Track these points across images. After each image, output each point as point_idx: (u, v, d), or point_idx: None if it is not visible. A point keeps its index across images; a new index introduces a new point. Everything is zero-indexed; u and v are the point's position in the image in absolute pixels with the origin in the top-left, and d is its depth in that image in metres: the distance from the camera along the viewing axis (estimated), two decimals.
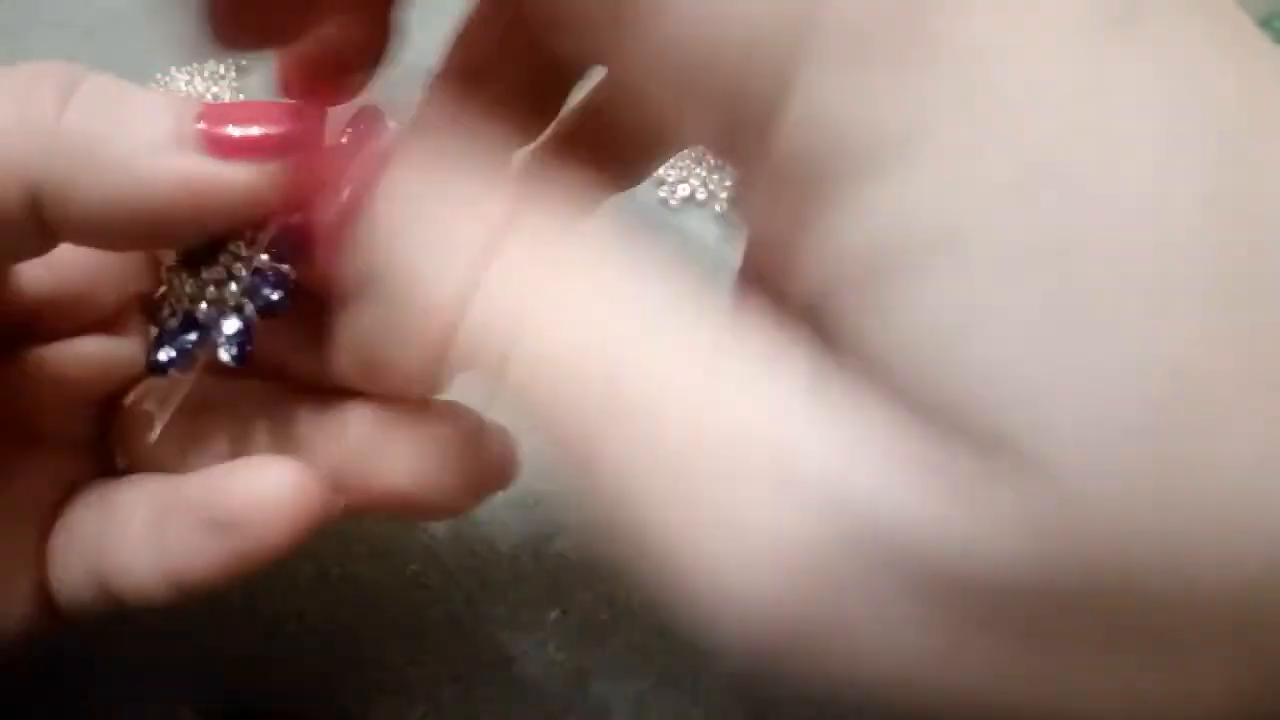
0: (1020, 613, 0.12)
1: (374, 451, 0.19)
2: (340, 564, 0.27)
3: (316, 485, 0.18)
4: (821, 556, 0.12)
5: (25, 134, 0.16)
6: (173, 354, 0.19)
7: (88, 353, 0.20)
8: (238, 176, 0.17)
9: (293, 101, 0.18)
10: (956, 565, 0.12)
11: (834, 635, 0.13)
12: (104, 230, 0.17)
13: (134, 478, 0.21)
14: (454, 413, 0.20)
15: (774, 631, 0.13)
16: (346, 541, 0.27)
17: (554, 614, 0.26)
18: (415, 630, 0.26)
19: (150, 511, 0.19)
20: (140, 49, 0.43)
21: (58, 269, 0.19)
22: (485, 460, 0.20)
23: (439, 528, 0.28)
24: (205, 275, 0.18)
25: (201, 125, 0.17)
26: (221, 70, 0.40)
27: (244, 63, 0.41)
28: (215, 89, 0.39)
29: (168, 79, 0.40)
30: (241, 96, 0.39)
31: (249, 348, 0.18)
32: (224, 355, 0.18)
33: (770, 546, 0.12)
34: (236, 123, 0.17)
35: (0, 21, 0.44)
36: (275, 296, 0.18)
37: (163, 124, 0.16)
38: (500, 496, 0.29)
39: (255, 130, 0.17)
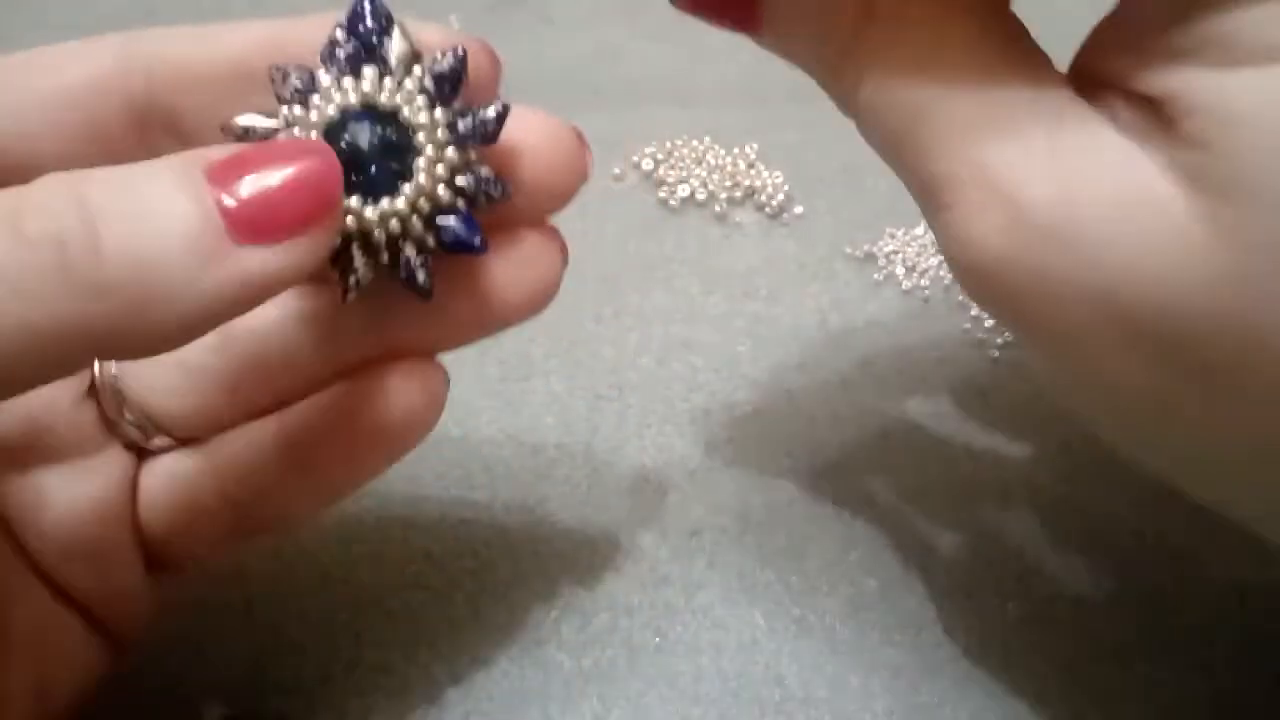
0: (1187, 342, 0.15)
1: None
2: (340, 565, 0.27)
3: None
4: (1041, 252, 0.16)
5: (78, 298, 0.15)
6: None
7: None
8: (286, 259, 0.16)
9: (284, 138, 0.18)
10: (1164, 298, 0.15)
11: (1024, 296, 0.17)
12: (166, 348, 0.16)
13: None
14: None
15: (984, 272, 0.17)
16: (346, 542, 0.27)
17: (554, 614, 0.26)
18: (415, 631, 0.26)
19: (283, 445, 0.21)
20: None
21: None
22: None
23: (439, 529, 0.28)
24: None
25: (221, 198, 0.16)
26: None
27: None
28: None
29: None
30: None
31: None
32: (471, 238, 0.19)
33: (1011, 218, 0.17)
34: (248, 173, 0.16)
35: (2, 23, 0.44)
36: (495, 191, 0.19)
37: (190, 218, 0.15)
38: (502, 498, 0.29)
39: (273, 180, 0.16)
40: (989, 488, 0.28)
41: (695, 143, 0.38)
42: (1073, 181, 0.16)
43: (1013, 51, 0.18)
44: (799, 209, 0.36)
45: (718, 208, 0.36)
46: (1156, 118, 0.16)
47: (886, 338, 0.32)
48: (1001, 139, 0.17)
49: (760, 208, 0.36)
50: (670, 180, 0.36)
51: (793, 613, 0.26)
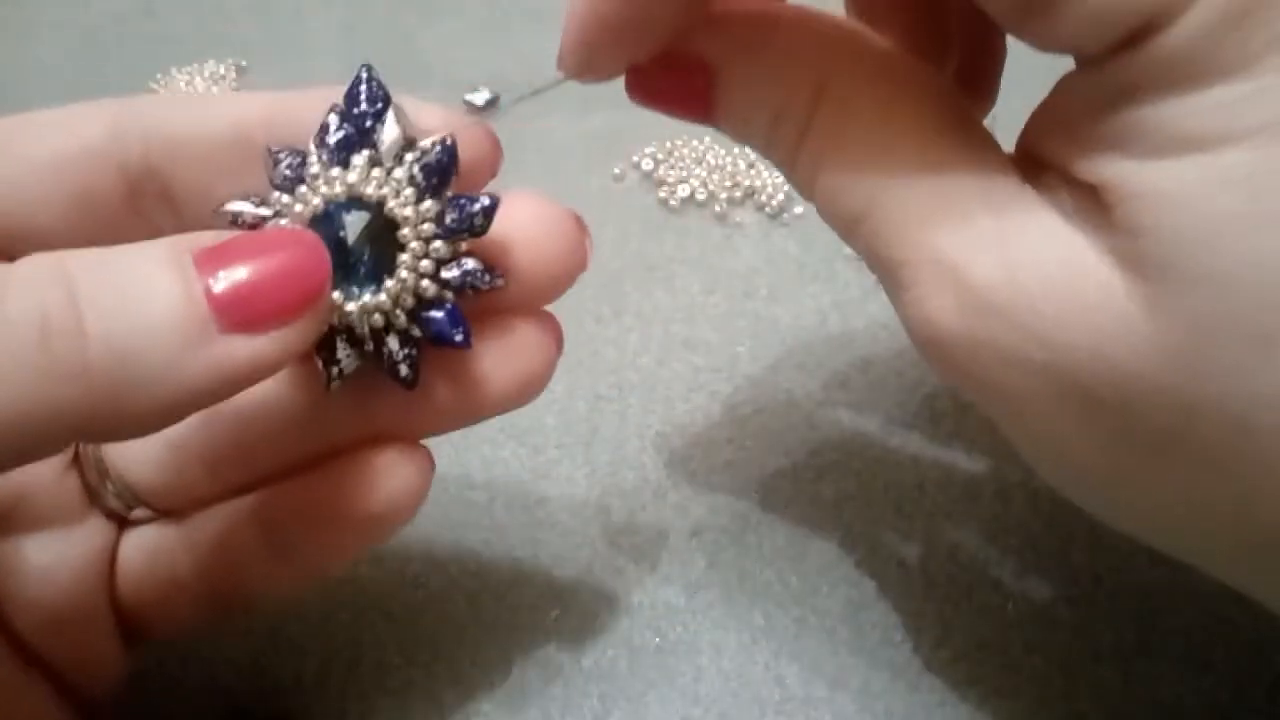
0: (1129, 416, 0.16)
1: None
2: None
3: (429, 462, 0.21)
4: (992, 330, 0.17)
5: (58, 380, 0.14)
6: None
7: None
8: (271, 348, 0.16)
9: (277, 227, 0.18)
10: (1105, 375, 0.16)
11: (979, 369, 0.18)
12: (143, 434, 0.16)
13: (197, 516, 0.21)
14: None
15: (940, 346, 0.18)
16: None
17: (554, 614, 0.26)
18: (415, 631, 0.26)
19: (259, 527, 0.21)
20: (140, 50, 0.44)
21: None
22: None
23: (438, 529, 0.28)
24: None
25: (209, 285, 0.16)
26: (221, 70, 0.40)
27: (244, 63, 0.41)
28: (215, 88, 0.39)
29: (167, 79, 0.40)
30: None
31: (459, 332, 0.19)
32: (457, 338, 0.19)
33: (962, 299, 0.17)
34: (237, 261, 0.16)
35: (2, 22, 0.44)
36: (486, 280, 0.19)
37: (175, 304, 0.15)
38: (502, 498, 0.29)
39: (261, 269, 0.16)
40: (989, 487, 0.28)
41: (695, 143, 0.38)
42: (1019, 265, 0.17)
43: (960, 136, 0.18)
44: (799, 209, 0.36)
45: (718, 208, 0.36)
46: (1094, 202, 0.16)
47: (886, 338, 0.32)
48: (952, 226, 0.18)
49: (760, 208, 0.36)
50: (670, 180, 0.36)
51: (793, 613, 0.26)
